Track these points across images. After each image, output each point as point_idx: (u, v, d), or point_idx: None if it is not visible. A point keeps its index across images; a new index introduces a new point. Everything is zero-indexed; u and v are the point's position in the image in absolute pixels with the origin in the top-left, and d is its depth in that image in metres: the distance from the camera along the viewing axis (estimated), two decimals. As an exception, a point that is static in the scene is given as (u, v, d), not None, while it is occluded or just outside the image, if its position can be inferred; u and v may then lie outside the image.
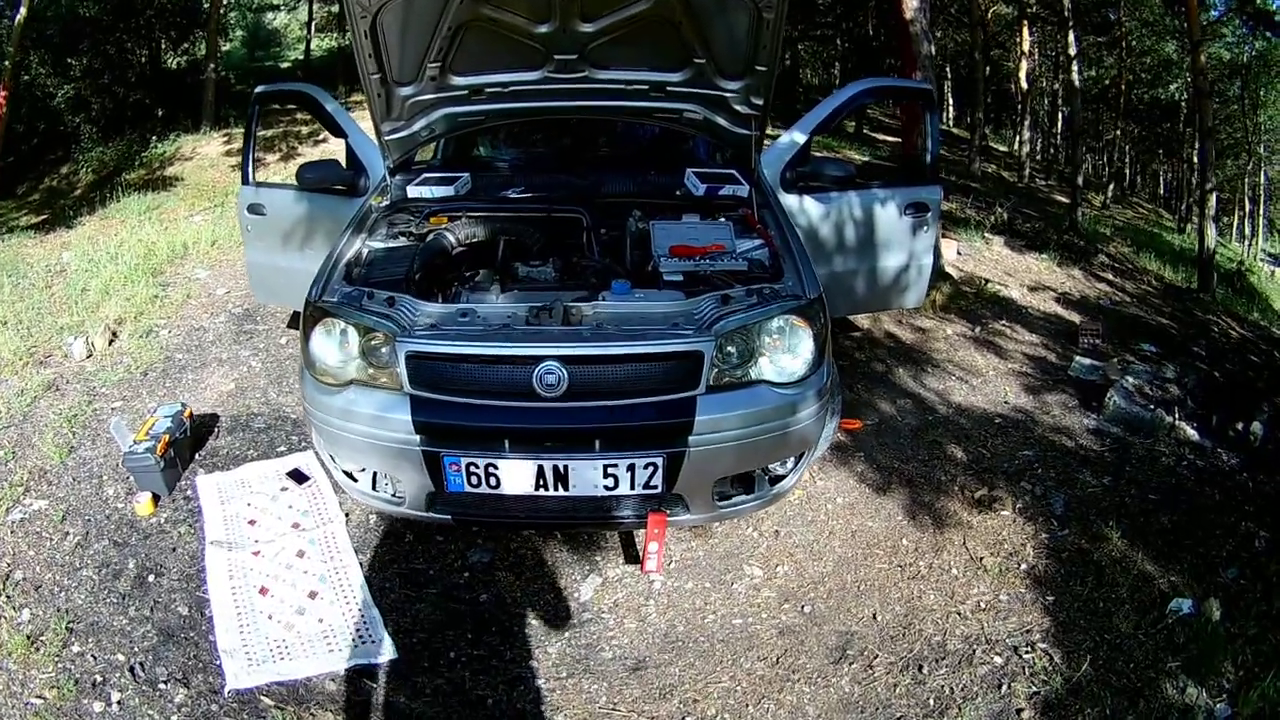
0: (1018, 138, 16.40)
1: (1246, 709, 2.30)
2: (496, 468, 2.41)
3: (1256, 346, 6.48)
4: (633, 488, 2.45)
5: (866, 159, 11.61)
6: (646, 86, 3.29)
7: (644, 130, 3.97)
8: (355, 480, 2.74)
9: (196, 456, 3.52)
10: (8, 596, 2.74)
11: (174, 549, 2.96)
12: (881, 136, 15.87)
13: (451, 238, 3.09)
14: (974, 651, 2.56)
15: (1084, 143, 11.90)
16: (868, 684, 2.46)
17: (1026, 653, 2.54)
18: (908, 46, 6.24)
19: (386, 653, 2.54)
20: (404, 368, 2.40)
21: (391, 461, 2.50)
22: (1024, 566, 2.93)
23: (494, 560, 2.94)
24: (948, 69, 19.07)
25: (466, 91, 3.29)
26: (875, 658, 2.55)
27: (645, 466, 2.41)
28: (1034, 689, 2.41)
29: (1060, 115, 19.30)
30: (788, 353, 2.53)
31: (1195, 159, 12.88)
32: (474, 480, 2.43)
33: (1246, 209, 21.34)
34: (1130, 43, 15.55)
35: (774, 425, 2.48)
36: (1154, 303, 7.23)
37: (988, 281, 6.15)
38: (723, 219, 3.13)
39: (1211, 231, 8.53)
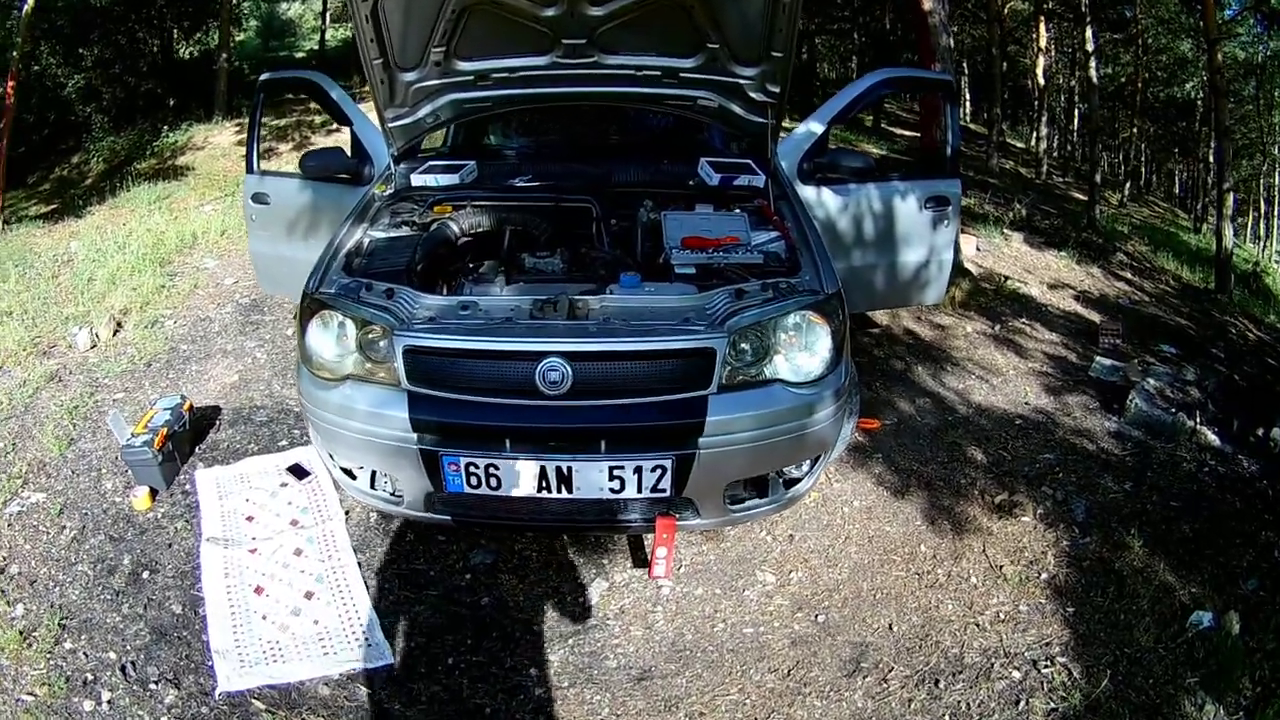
0: (1035, 134, 16.16)
1: (1262, 727, 2.21)
2: (497, 468, 2.31)
3: (1274, 349, 6.38)
4: (640, 491, 2.34)
5: (884, 153, 11.45)
6: (658, 73, 3.18)
7: (656, 118, 3.85)
8: (354, 478, 2.65)
9: (196, 450, 3.46)
10: (2, 591, 2.68)
11: (170, 545, 2.89)
12: (900, 131, 15.66)
13: (455, 227, 2.99)
14: (992, 665, 2.45)
15: (1100, 141, 11.69)
16: (881, 699, 2.36)
17: (1045, 667, 2.44)
18: (926, 39, 6.08)
19: (383, 657, 2.45)
20: (401, 362, 2.31)
21: (389, 460, 2.41)
22: (1044, 576, 2.83)
23: (497, 562, 2.85)
24: (965, 65, 18.78)
25: (472, 77, 3.19)
26: (890, 671, 2.45)
27: (653, 469, 2.30)
28: (1052, 705, 2.31)
29: (1077, 112, 19.06)
30: (804, 350, 2.41)
31: (1211, 159, 12.74)
32: (473, 481, 2.33)
33: (1261, 210, 21.04)
34: (1147, 40, 15.31)
35: (789, 427, 2.36)
36: (1172, 303, 7.14)
37: (1007, 278, 6.02)
38: (737, 210, 3.02)
39: (1229, 232, 8.43)
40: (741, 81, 3.14)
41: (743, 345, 2.35)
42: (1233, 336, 6.43)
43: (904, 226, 3.73)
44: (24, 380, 4.04)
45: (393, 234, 2.96)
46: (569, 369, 2.24)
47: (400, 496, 2.53)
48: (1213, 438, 3.76)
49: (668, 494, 2.36)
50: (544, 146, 3.89)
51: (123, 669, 2.38)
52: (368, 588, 2.71)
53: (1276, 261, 16.70)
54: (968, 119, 18.75)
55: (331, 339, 2.46)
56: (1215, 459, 3.64)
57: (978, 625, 2.61)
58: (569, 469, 2.29)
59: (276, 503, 3.09)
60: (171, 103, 12.55)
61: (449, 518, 2.51)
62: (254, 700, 2.30)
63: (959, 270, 5.48)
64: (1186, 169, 22.09)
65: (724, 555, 2.90)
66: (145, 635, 2.51)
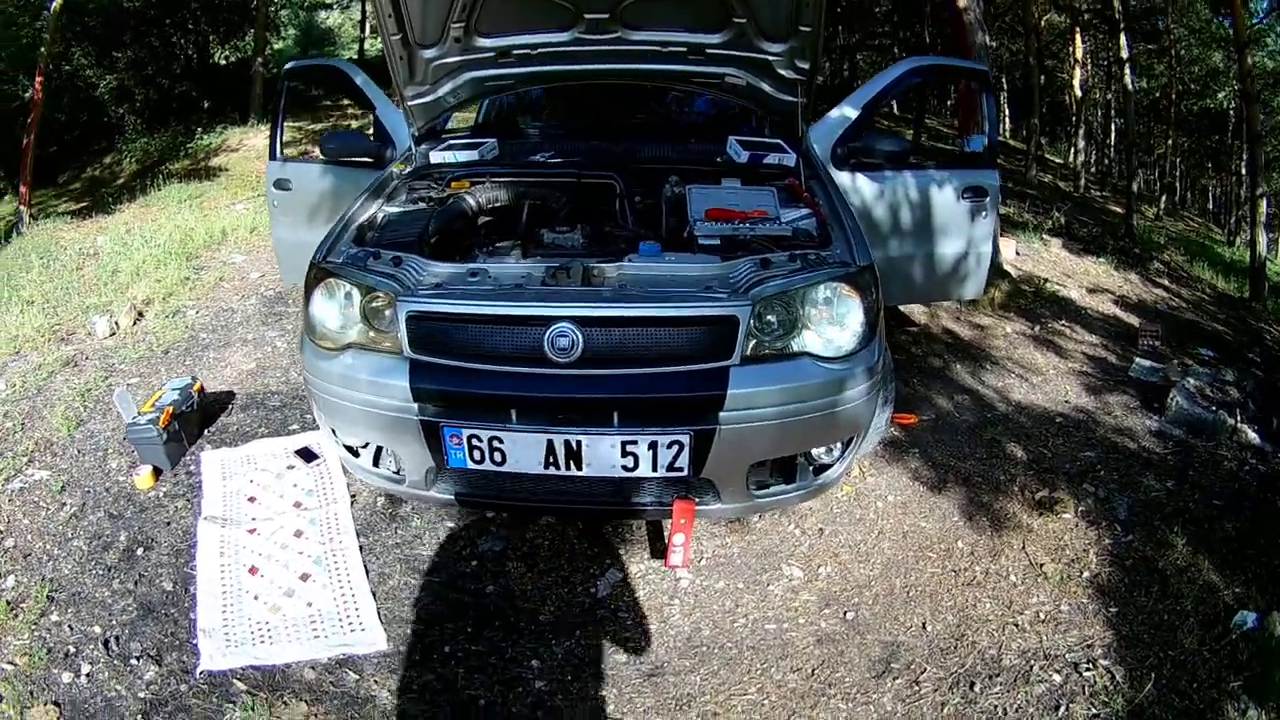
0: (1072, 149, 15.90)
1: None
2: (501, 441, 2.16)
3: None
4: (655, 469, 2.17)
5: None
6: (684, 49, 3.06)
7: (682, 96, 3.74)
8: (357, 456, 2.53)
9: (205, 433, 3.37)
10: (-6, 562, 2.61)
11: (168, 523, 2.80)
12: (940, 145, 15.48)
13: (472, 201, 2.87)
14: (1031, 668, 2.27)
15: (1136, 155, 11.44)
16: (912, 702, 2.17)
17: (1087, 670, 2.26)
18: (962, 36, 5.93)
19: (375, 643, 2.32)
20: (404, 329, 2.18)
21: (389, 432, 2.28)
22: (1086, 574, 2.65)
23: (506, 549, 2.71)
24: (1004, 80, 18.58)
25: (493, 54, 3.10)
26: (923, 672, 2.26)
27: (669, 445, 2.13)
28: (1093, 711, 2.14)
29: (1114, 127, 18.78)
30: (835, 324, 2.25)
31: (1244, 168, 12.44)
32: (476, 455, 2.19)
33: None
34: (1179, 52, 15.07)
35: (818, 404, 2.19)
36: (1209, 309, 6.99)
37: (1046, 281, 5.83)
38: (767, 187, 2.87)
39: (1263, 238, 8.33)
40: (770, 58, 3.01)
41: (769, 316, 2.19)
42: (1269, 343, 6.25)
43: (941, 217, 3.57)
44: (39, 364, 4.01)
45: (407, 209, 2.86)
46: (579, 335, 2.09)
47: (402, 474, 2.41)
48: (1254, 436, 3.67)
49: (685, 474, 2.19)
50: (566, 124, 3.79)
51: (105, 643, 2.29)
52: (367, 572, 2.58)
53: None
54: (1007, 135, 18.49)
55: (336, 308, 2.35)
56: (1256, 458, 3.52)
57: (1016, 625, 2.42)
58: (579, 443, 2.14)
59: (281, 484, 2.98)
60: (206, 105, 12.74)
61: (452, 496, 2.37)
62: (236, 680, 2.18)
63: (998, 272, 5.33)
64: (1219, 184, 21.80)
65: (748, 548, 2.73)
66: (133, 611, 2.41)
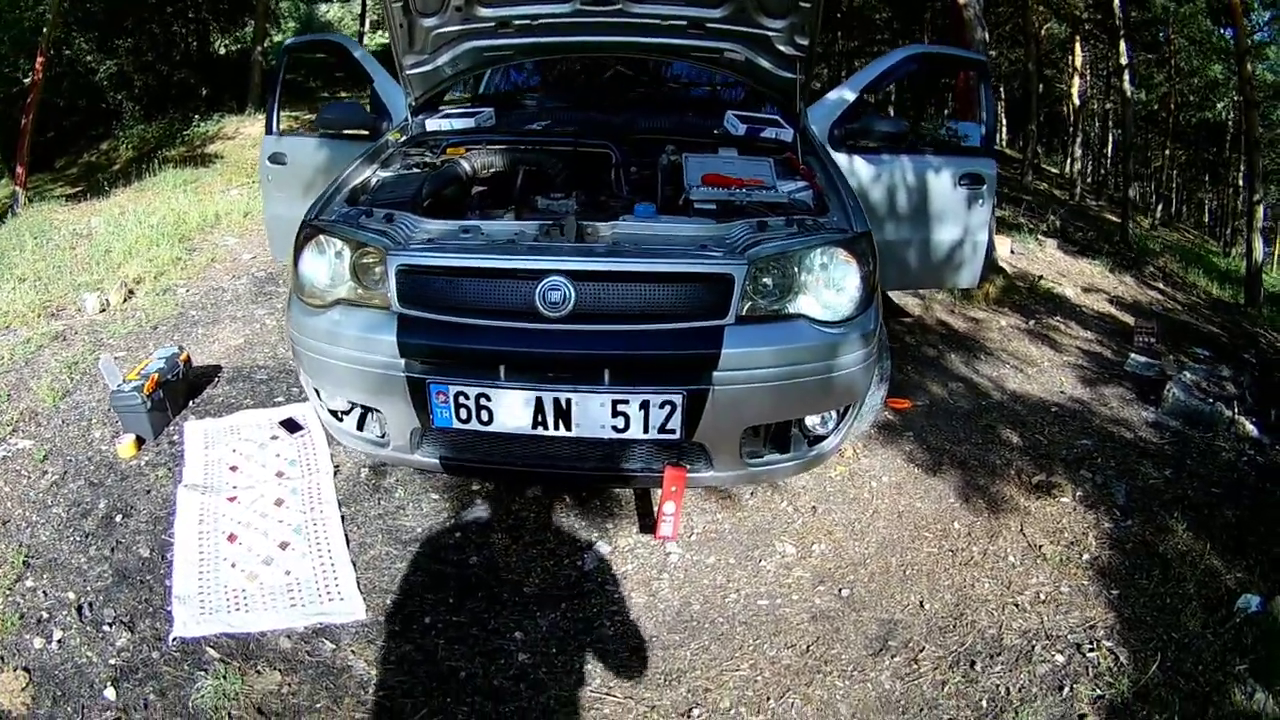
0: (1069, 158, 15.94)
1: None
2: (489, 399, 2.10)
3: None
4: (646, 430, 2.12)
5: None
6: (684, 22, 3.02)
7: (681, 70, 3.70)
8: (341, 420, 2.48)
9: (191, 404, 3.31)
10: (-30, 530, 2.54)
11: (148, 491, 2.73)
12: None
13: (467, 166, 2.83)
14: (1033, 648, 2.22)
15: (1133, 165, 11.51)
16: (911, 680, 2.11)
17: (1090, 651, 2.21)
18: (962, 33, 5.92)
19: (353, 613, 2.25)
20: (393, 283, 2.13)
21: (374, 390, 2.22)
22: (1086, 557, 2.61)
23: (491, 521, 2.65)
24: (1002, 90, 18.63)
25: (493, 24, 3.05)
26: (921, 651, 2.20)
27: (661, 405, 2.08)
28: (1098, 692, 2.09)
29: (1111, 138, 18.86)
30: (831, 288, 2.20)
31: (1241, 178, 12.55)
32: (463, 414, 2.13)
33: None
34: (1179, 63, 15.15)
35: (814, 367, 2.14)
36: (1203, 312, 7.06)
37: (1041, 278, 5.81)
38: (764, 158, 2.83)
39: (1259, 244, 8.43)
40: (769, 33, 2.98)
41: (764, 279, 2.15)
42: (1263, 345, 6.30)
43: (938, 203, 3.56)
44: (28, 339, 3.94)
45: (401, 173, 2.82)
46: (572, 289, 2.04)
47: (387, 438, 2.35)
48: (1251, 428, 3.67)
49: (677, 436, 2.13)
50: (564, 96, 3.75)
51: (79, 609, 2.22)
52: (348, 542, 2.52)
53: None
54: (1003, 144, 18.54)
55: (325, 264, 2.30)
56: (1254, 449, 3.52)
57: (1016, 605, 2.37)
58: (568, 401, 2.08)
59: (264, 454, 2.92)
60: (205, 94, 12.68)
61: (437, 460, 2.32)
62: (208, 648, 2.11)
63: (993, 267, 5.30)
64: (1216, 197, 21.93)
65: (739, 524, 2.67)
66: (108, 577, 2.34)
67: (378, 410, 2.32)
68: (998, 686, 2.09)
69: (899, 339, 4.25)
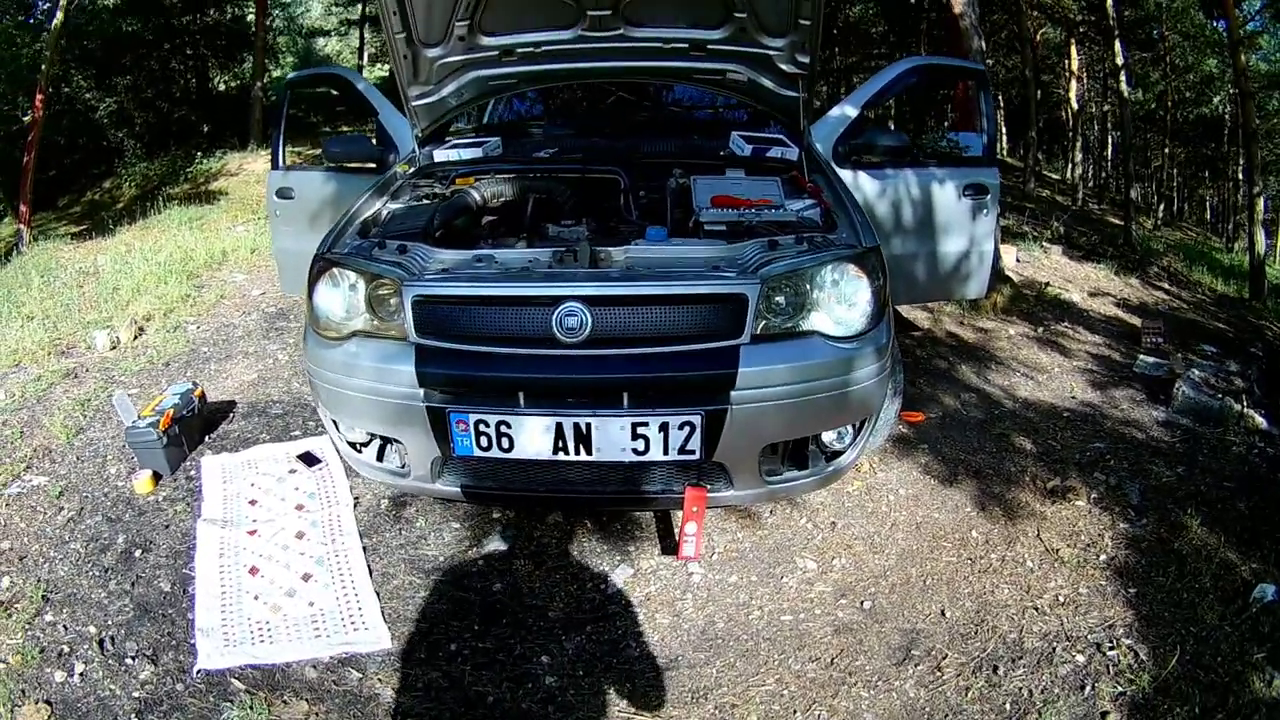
0: (1069, 164, 16.02)
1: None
2: (509, 426, 2.12)
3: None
4: (666, 452, 2.13)
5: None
6: (686, 45, 3.06)
7: (685, 93, 3.75)
8: (360, 452, 2.49)
9: (206, 439, 3.33)
10: (-11, 565, 2.55)
11: (167, 526, 2.74)
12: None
13: (477, 196, 2.86)
14: (1054, 650, 2.22)
15: (1134, 165, 11.57)
16: (935, 687, 2.11)
17: (1111, 649, 2.22)
18: (958, 42, 6.00)
19: (379, 642, 2.25)
20: (410, 313, 2.16)
21: (394, 420, 2.23)
22: (1103, 558, 2.62)
23: (513, 548, 2.65)
24: (1000, 98, 18.76)
25: (496, 53, 3.09)
26: (944, 658, 2.20)
27: (681, 426, 2.09)
28: (1120, 689, 2.09)
29: (1110, 140, 18.95)
30: (843, 303, 2.22)
31: (1240, 171, 12.63)
32: (484, 441, 2.14)
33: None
34: (1174, 60, 15.27)
35: (830, 382, 2.16)
36: (1209, 309, 7.04)
37: (1047, 285, 5.83)
38: (772, 178, 2.87)
39: (1261, 237, 8.40)
40: (770, 52, 3.01)
41: (777, 298, 2.17)
42: (1270, 338, 6.27)
43: (943, 215, 3.58)
44: (39, 376, 3.97)
45: (412, 205, 2.85)
46: (588, 314, 2.07)
47: (407, 468, 2.36)
48: (1261, 421, 3.68)
49: (697, 456, 2.14)
50: (570, 122, 3.79)
51: (100, 643, 2.23)
52: (371, 573, 2.52)
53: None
54: (1004, 152, 18.64)
55: (340, 297, 2.33)
56: (1265, 441, 3.52)
57: (1036, 609, 2.37)
58: (588, 426, 2.10)
59: (283, 488, 2.93)
60: (206, 130, 12.80)
61: (458, 489, 2.33)
62: (234, 680, 2.11)
63: (1000, 277, 5.34)
64: (1217, 193, 22.00)
65: (761, 542, 2.67)
66: (129, 611, 2.35)
67: (397, 441, 2.33)
68: (1020, 689, 2.09)
69: (910, 352, 4.27)
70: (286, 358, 4.21)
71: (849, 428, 2.38)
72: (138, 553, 2.60)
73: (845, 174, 3.40)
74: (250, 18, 13.89)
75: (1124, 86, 10.40)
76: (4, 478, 3.04)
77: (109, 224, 8.32)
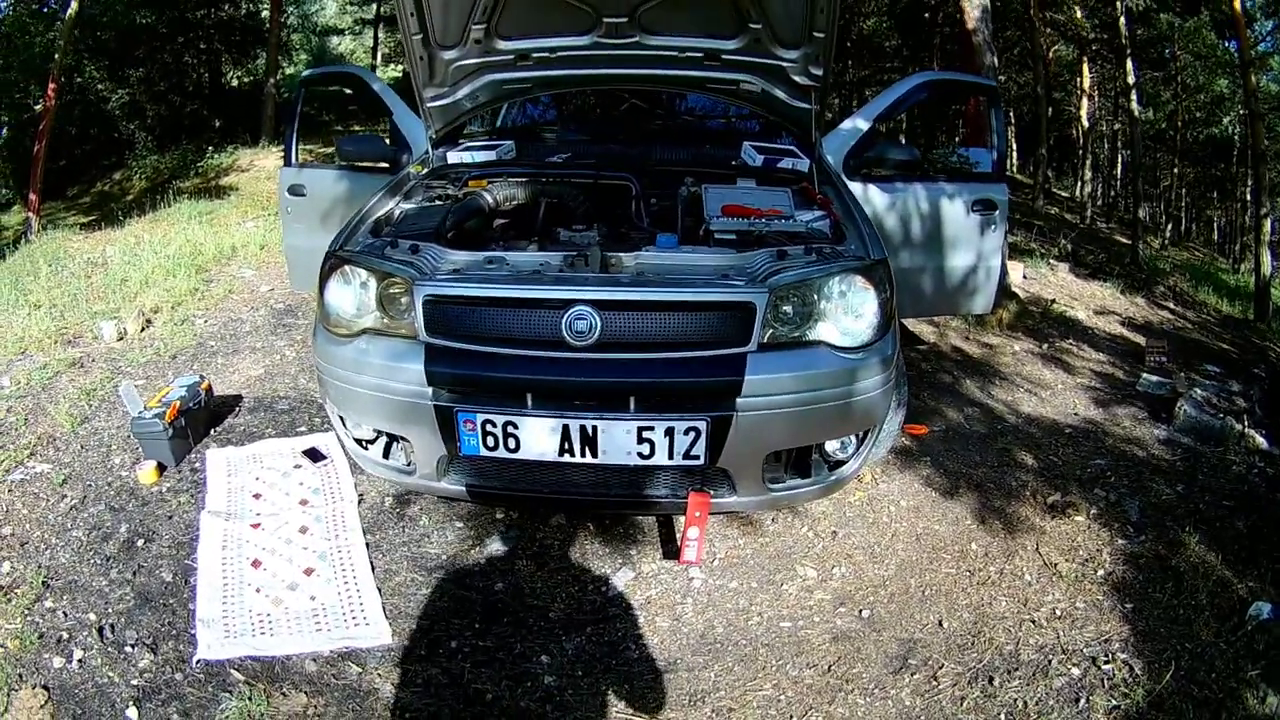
0: (1079, 181, 16.04)
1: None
2: (516, 427, 2.13)
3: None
4: (671, 457, 2.14)
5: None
6: (700, 55, 3.08)
7: (698, 103, 3.77)
8: (366, 449, 2.51)
9: (212, 432, 3.34)
10: (-9, 550, 2.57)
11: (170, 517, 2.76)
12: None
13: (489, 198, 2.88)
14: (1049, 662, 2.23)
15: (1142, 184, 11.58)
16: (931, 696, 2.12)
17: (1106, 663, 2.23)
18: (971, 58, 6.03)
19: (379, 637, 2.26)
20: (420, 313, 2.17)
21: (401, 418, 2.25)
22: (1101, 573, 2.63)
23: (515, 549, 2.66)
24: (1011, 115, 18.81)
25: (512, 57, 3.12)
26: (941, 668, 2.21)
27: (686, 432, 2.11)
28: (1114, 703, 2.10)
29: (1120, 159, 18.99)
30: (850, 314, 2.24)
31: (1248, 193, 12.61)
32: (490, 442, 2.16)
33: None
34: (1185, 80, 15.30)
35: (834, 392, 2.17)
36: (1214, 330, 7.09)
37: (1053, 302, 5.85)
38: (782, 189, 2.88)
39: (1267, 258, 8.47)
40: (784, 64, 3.03)
41: (785, 307, 2.18)
42: (1273, 360, 6.29)
43: (951, 229, 3.60)
44: (45, 364, 3.99)
45: (424, 205, 2.87)
46: (597, 319, 2.08)
47: (413, 466, 2.37)
48: (1261, 441, 3.71)
49: (701, 462, 2.16)
50: (583, 128, 3.81)
51: (100, 630, 2.24)
52: (373, 569, 2.53)
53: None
54: (1014, 169, 18.68)
55: (351, 294, 2.34)
56: (1265, 461, 3.54)
57: (1033, 622, 2.39)
58: (594, 428, 2.11)
59: (288, 483, 2.95)
60: (217, 125, 12.84)
61: (463, 488, 2.34)
62: (233, 670, 2.12)
63: (1006, 293, 5.34)
64: (1225, 214, 22.02)
65: (761, 550, 2.68)
66: (130, 600, 2.37)
67: (404, 438, 2.35)
68: (1016, 700, 2.10)
69: (914, 366, 4.28)
70: (294, 354, 4.23)
71: (852, 438, 2.39)
72: (140, 542, 2.62)
73: (855, 186, 3.41)
74: (265, 14, 13.97)
75: (1135, 105, 10.43)
76: (8, 464, 3.06)
77: (118, 215, 8.36)
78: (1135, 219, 9.97)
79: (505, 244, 2.63)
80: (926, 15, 14.46)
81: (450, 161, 3.18)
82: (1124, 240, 11.33)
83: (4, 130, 11.89)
